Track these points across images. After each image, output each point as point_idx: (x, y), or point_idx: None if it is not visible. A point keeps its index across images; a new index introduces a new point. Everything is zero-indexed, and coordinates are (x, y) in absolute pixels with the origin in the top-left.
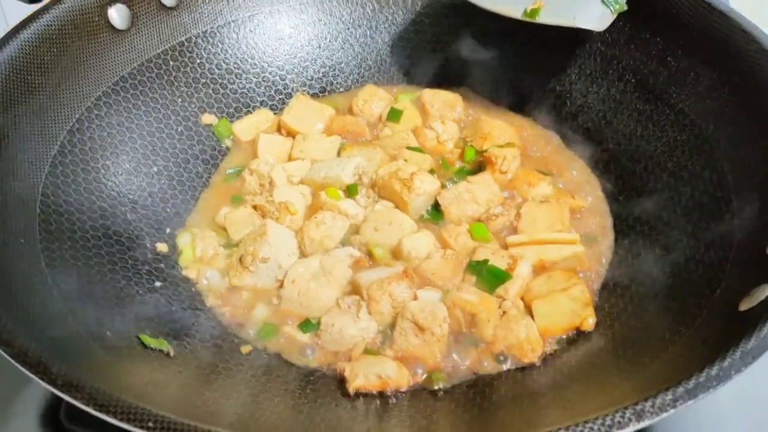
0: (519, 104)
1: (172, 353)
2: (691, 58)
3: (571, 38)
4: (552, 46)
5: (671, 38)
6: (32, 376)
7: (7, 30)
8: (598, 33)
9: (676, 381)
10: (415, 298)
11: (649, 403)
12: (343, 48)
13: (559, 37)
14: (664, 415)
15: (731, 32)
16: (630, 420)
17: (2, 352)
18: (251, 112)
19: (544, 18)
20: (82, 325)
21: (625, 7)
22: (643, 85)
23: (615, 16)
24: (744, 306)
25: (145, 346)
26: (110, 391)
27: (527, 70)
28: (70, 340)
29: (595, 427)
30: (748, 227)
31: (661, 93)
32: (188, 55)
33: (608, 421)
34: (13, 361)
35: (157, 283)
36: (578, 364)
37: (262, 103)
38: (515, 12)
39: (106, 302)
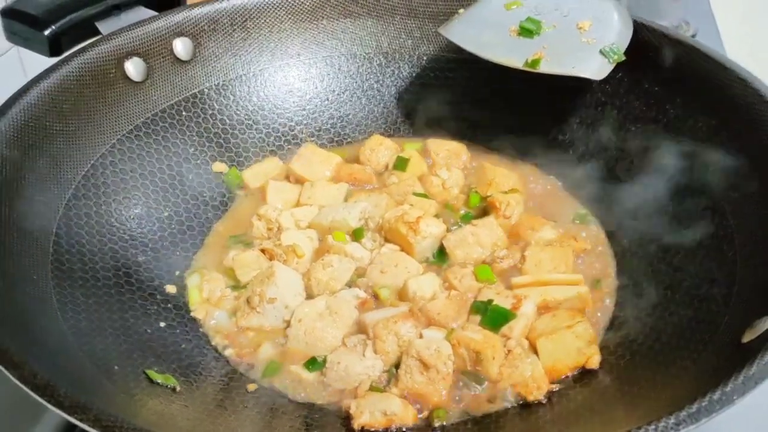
0: (522, 153)
1: (178, 388)
2: (689, 106)
3: (572, 89)
4: (554, 98)
5: (670, 87)
6: (39, 399)
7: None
8: (599, 83)
9: (679, 407)
10: (421, 337)
11: (652, 427)
12: (351, 100)
13: (561, 88)
14: None
15: (728, 80)
16: None
17: (11, 376)
18: (261, 161)
19: (545, 68)
20: (90, 358)
21: (623, 58)
22: (644, 132)
23: (613, 65)
24: (746, 338)
25: (151, 381)
26: (117, 415)
27: (530, 121)
28: (78, 370)
29: None
30: (750, 263)
31: (661, 139)
32: (201, 106)
33: None
34: (21, 385)
35: (163, 324)
36: (584, 400)
37: (271, 152)
38: (517, 62)
39: (114, 339)
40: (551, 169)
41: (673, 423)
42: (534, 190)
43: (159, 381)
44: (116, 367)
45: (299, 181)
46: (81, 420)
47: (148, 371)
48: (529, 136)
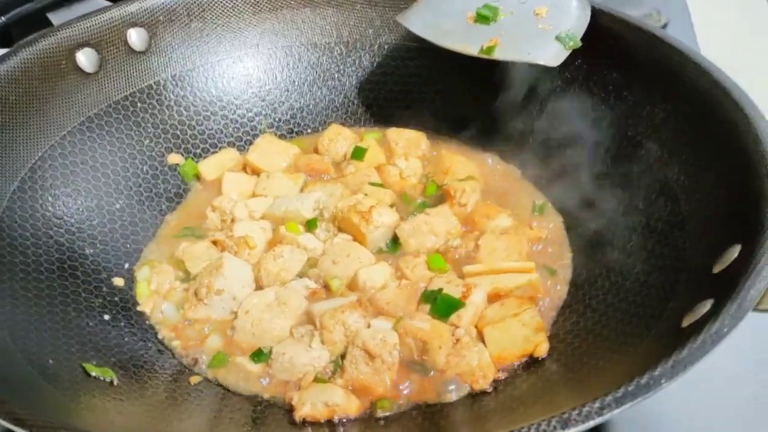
0: (482, 141)
1: (116, 382)
2: (646, 91)
3: (532, 78)
4: (514, 86)
5: (627, 73)
6: None
7: None
8: (557, 70)
9: (606, 392)
10: (369, 327)
11: (575, 412)
12: (311, 91)
13: (521, 76)
14: (591, 423)
15: (683, 65)
16: (555, 428)
17: None
18: (218, 152)
19: (500, 54)
20: (22, 352)
21: (580, 44)
22: (602, 119)
23: (569, 52)
24: (686, 322)
25: (88, 375)
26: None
27: (490, 110)
28: (6, 365)
29: None
30: (699, 249)
31: (619, 126)
32: (156, 97)
33: (533, 430)
34: None
35: (107, 317)
36: (529, 388)
37: (229, 143)
38: (472, 49)
39: (52, 333)
40: (511, 158)
41: (597, 407)
42: (493, 179)
43: (95, 374)
44: (51, 361)
45: (256, 172)
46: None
47: (85, 364)
48: (489, 125)
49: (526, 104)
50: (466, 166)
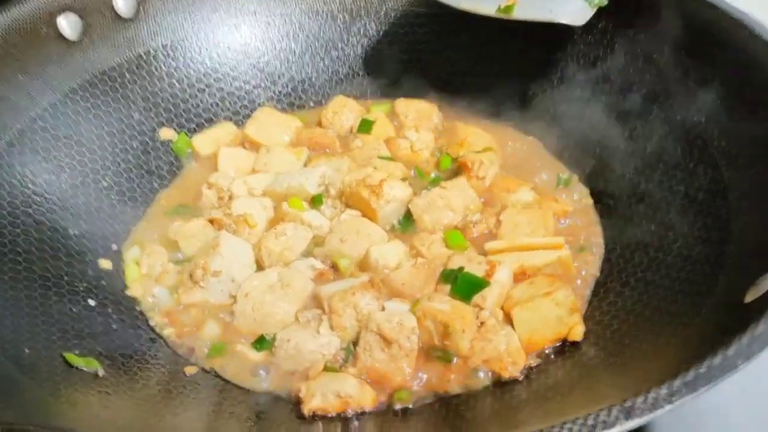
0: (498, 111)
1: (101, 373)
2: (678, 53)
3: (551, 41)
4: (531, 50)
5: (657, 34)
6: None
7: None
8: (579, 34)
9: (672, 375)
10: (383, 309)
11: (640, 399)
12: (312, 61)
13: (538, 39)
14: (659, 412)
15: (719, 21)
16: (617, 418)
17: None
18: (213, 126)
19: (519, 14)
20: None
21: (605, 2)
22: (630, 85)
23: (594, 10)
24: (750, 297)
25: (69, 366)
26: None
27: (505, 76)
28: None
29: (575, 428)
30: (746, 219)
31: (648, 92)
32: (146, 68)
33: (591, 421)
34: None
35: (93, 302)
36: (564, 376)
37: (225, 117)
38: (489, 9)
39: (30, 319)
40: (530, 128)
41: (666, 393)
42: (511, 151)
43: (78, 365)
44: (27, 351)
45: (255, 147)
46: None
47: (67, 354)
48: (505, 94)
49: (545, 71)
50: (483, 138)
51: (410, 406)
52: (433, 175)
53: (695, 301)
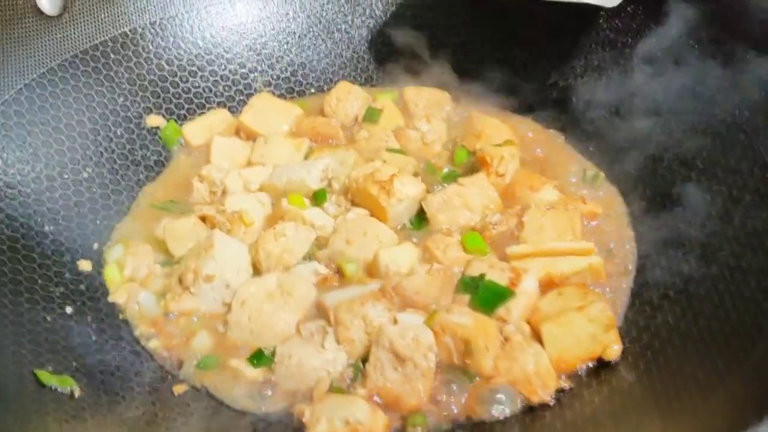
0: (517, 102)
1: (77, 394)
2: (717, 41)
3: (575, 24)
4: (553, 35)
5: (692, 19)
6: None
7: None
8: (606, 19)
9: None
10: (395, 322)
11: None
12: (314, 44)
13: (561, 23)
14: None
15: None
16: None
17: None
18: (205, 114)
19: None
20: None
21: None
22: (661, 75)
23: None
24: None
25: (42, 386)
26: None
27: (525, 64)
28: None
29: None
30: None
31: (683, 81)
32: (132, 48)
33: None
34: None
35: (70, 309)
36: (603, 404)
37: (219, 104)
38: None
39: None
40: (551, 120)
41: None
42: (531, 145)
43: (52, 384)
44: None
45: (251, 136)
46: None
47: (39, 372)
48: (524, 83)
49: (568, 58)
50: (501, 130)
51: None
52: (446, 170)
53: (753, 320)
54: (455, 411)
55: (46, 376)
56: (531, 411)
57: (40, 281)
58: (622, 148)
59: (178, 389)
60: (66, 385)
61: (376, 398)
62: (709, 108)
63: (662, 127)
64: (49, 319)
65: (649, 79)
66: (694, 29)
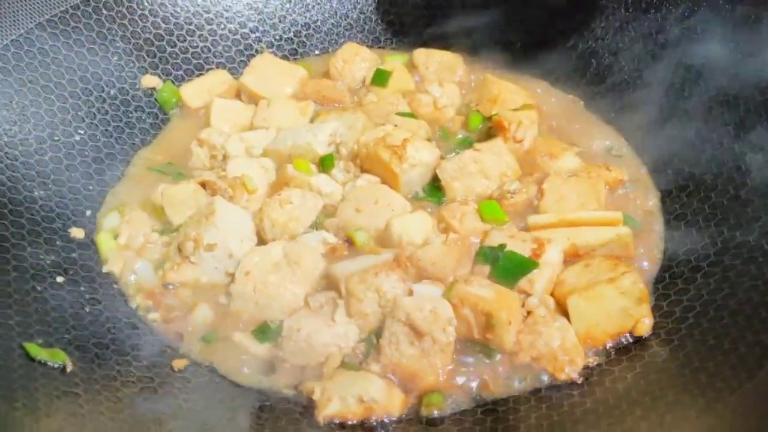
0: (531, 65)
1: (70, 368)
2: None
3: None
4: None
5: None
6: None
7: None
8: None
9: None
10: (410, 294)
11: None
12: (319, 3)
13: None
14: None
15: None
16: None
17: None
18: (204, 75)
19: None
20: None
21: None
22: (689, 37)
23: None
24: None
25: (31, 359)
26: None
27: (542, 24)
28: None
29: None
30: None
31: (713, 44)
32: (127, 4)
33: None
34: None
35: (61, 279)
36: (636, 381)
37: (218, 65)
38: None
39: None
40: (570, 85)
41: None
42: (550, 111)
43: (42, 358)
44: None
45: (253, 99)
46: None
47: (28, 345)
48: (541, 44)
49: (588, 20)
50: (518, 94)
51: (442, 413)
52: (460, 135)
53: None
54: (475, 387)
55: (35, 349)
56: (557, 388)
57: (29, 248)
58: (646, 113)
59: (178, 364)
60: (57, 359)
61: (390, 375)
62: (742, 73)
63: (689, 90)
64: (39, 288)
65: (675, 41)
66: None
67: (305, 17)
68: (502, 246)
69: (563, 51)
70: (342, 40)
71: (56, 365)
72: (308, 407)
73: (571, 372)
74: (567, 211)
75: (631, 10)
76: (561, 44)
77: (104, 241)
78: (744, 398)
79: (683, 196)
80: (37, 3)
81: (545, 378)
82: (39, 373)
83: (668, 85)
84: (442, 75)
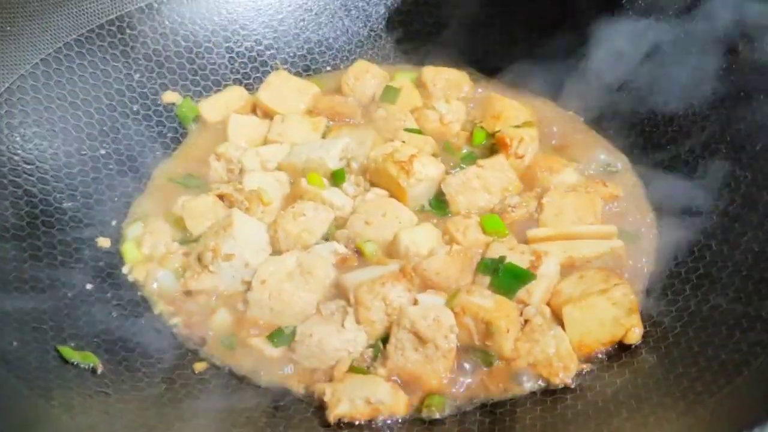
0: (534, 82)
1: (100, 370)
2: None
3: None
4: (576, 11)
5: None
6: None
7: None
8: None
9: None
10: (415, 303)
11: None
12: (331, 21)
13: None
14: None
15: None
16: None
17: None
18: (221, 91)
19: None
20: None
21: None
22: (689, 51)
23: None
24: None
25: (65, 362)
26: None
27: (546, 44)
28: None
29: None
30: None
31: (707, 62)
32: (148, 23)
33: None
34: None
35: (90, 286)
36: (624, 385)
37: (235, 81)
38: None
39: (20, 304)
40: (571, 102)
41: None
42: (551, 127)
43: (74, 360)
44: (15, 343)
45: (268, 114)
46: None
47: (62, 348)
48: (544, 63)
49: (587, 37)
50: (521, 111)
51: (440, 414)
52: (464, 150)
53: None
54: (475, 392)
55: (69, 352)
56: (551, 393)
57: (60, 258)
58: (642, 128)
59: (199, 367)
60: (88, 361)
61: (395, 378)
62: (738, 80)
63: (685, 110)
64: (69, 295)
65: (671, 60)
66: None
67: (318, 35)
68: (502, 258)
69: (565, 68)
70: (353, 57)
71: (88, 367)
72: (319, 407)
73: (564, 377)
74: (564, 225)
75: (626, 30)
76: (563, 61)
77: (129, 251)
78: (721, 401)
79: (676, 212)
80: (65, 24)
81: (540, 383)
82: (72, 374)
83: (665, 101)
84: (448, 92)
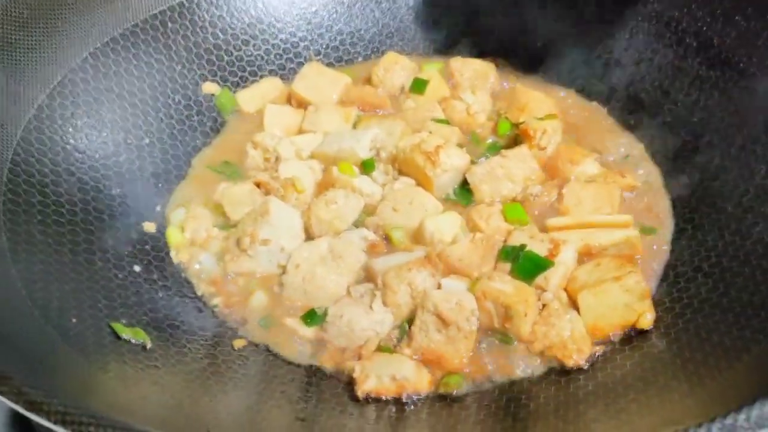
0: (560, 75)
1: (149, 345)
2: (764, 16)
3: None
4: (599, 7)
5: None
6: None
7: None
8: None
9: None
10: (439, 287)
11: (717, 425)
12: (362, 13)
13: None
14: None
15: None
16: None
17: None
18: (258, 82)
19: None
20: (41, 310)
21: None
22: (707, 49)
23: None
24: None
25: (117, 337)
26: (74, 401)
27: (570, 36)
28: (23, 326)
29: None
30: None
31: (728, 57)
32: (189, 17)
33: None
34: None
35: (138, 267)
36: (633, 368)
37: (270, 72)
38: None
39: (75, 285)
40: (594, 94)
41: (744, 419)
42: (574, 119)
43: (126, 336)
44: (74, 320)
45: (302, 104)
46: (41, 417)
47: (115, 324)
48: (569, 55)
49: (613, 33)
50: (545, 103)
51: (457, 391)
52: (490, 140)
53: None
54: (494, 370)
55: (120, 328)
56: (566, 373)
57: (110, 241)
58: (663, 122)
59: (238, 344)
60: (139, 337)
61: (419, 358)
62: (752, 85)
63: (705, 100)
64: (120, 276)
65: (693, 54)
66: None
67: (350, 26)
68: (522, 246)
69: (589, 61)
70: (383, 48)
71: (138, 342)
72: (349, 383)
73: (578, 359)
74: (583, 214)
75: (653, 23)
76: (586, 55)
77: (173, 235)
78: (722, 384)
79: (692, 202)
80: (111, 20)
81: (555, 364)
82: (125, 348)
83: (686, 95)
84: (475, 83)
